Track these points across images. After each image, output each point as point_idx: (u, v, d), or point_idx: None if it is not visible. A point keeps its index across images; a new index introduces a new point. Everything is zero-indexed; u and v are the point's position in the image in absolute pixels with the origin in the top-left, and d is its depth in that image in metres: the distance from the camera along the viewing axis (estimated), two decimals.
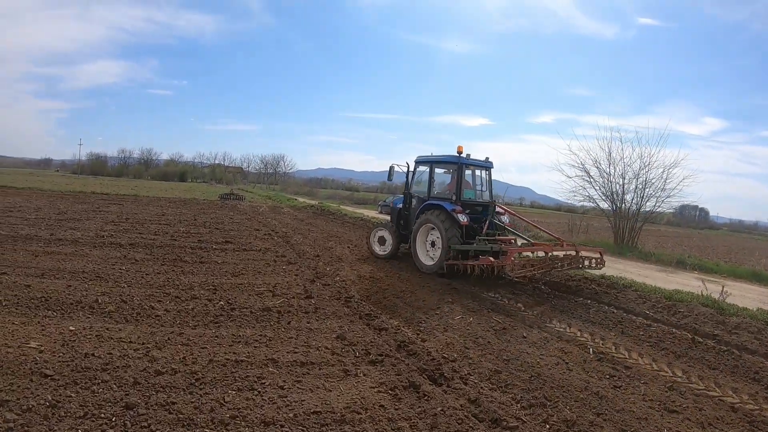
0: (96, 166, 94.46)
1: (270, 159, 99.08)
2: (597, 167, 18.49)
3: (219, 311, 6.78)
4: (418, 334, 6.06)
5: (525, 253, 9.31)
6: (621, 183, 18.09)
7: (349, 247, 12.80)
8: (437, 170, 10.38)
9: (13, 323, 5.68)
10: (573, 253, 9.07)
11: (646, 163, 17.49)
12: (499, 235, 9.47)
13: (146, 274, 8.94)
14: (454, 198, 9.50)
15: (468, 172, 9.91)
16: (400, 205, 11.00)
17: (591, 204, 19.63)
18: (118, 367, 4.61)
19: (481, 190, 10.25)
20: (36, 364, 4.51)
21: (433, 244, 9.43)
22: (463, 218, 8.93)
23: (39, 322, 5.78)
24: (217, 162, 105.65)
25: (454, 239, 8.80)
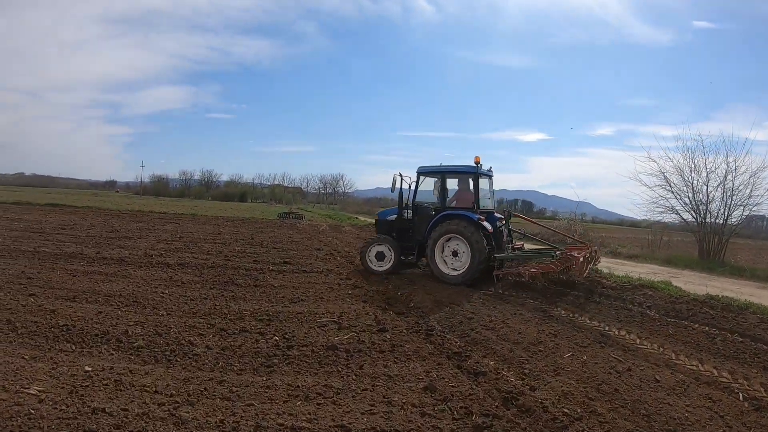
0: (158, 188, 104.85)
1: (329, 179, 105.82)
2: (681, 175, 18.67)
3: (273, 349, 5.83)
4: (523, 379, 5.15)
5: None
6: (705, 191, 18.15)
7: (419, 267, 12.21)
8: (450, 181, 11.21)
9: (22, 357, 5.03)
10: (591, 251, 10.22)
11: (732, 169, 17.40)
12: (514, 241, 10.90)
13: (190, 299, 8.29)
14: (475, 207, 10.36)
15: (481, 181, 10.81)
16: (392, 217, 11.65)
17: (671, 217, 19.88)
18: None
19: (489, 199, 11.27)
20: (28, 419, 3.63)
21: (455, 253, 10.05)
22: (489, 226, 9.85)
23: (52, 358, 5.08)
24: (276, 182, 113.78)
25: (482, 248, 9.64)
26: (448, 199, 11.01)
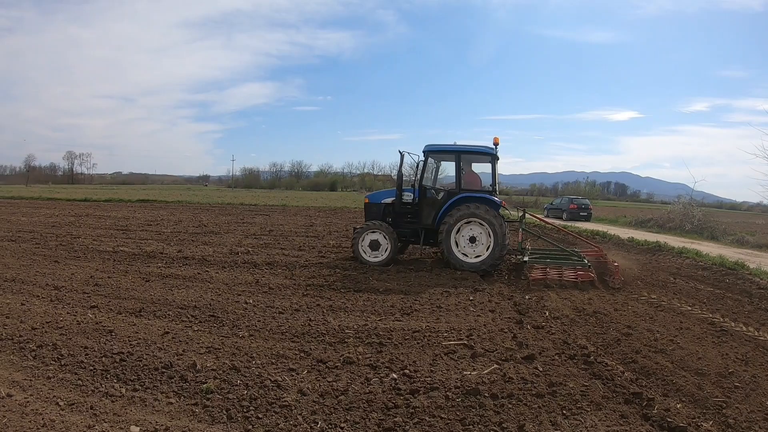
0: (249, 180, 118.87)
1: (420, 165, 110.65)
2: None
3: (391, 396, 4.49)
4: None
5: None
6: None
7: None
8: (469, 161, 11.39)
9: (57, 404, 4.15)
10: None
11: None
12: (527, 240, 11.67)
13: (280, 312, 7.24)
14: (492, 191, 10.87)
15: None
16: (388, 200, 11.48)
17: None
18: None
19: (498, 183, 11.57)
20: None
21: (473, 240, 10.34)
22: (510, 213, 10.58)
23: (92, 407, 4.13)
24: (366, 171, 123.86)
25: (505, 234, 10.08)
26: (448, 181, 11.25)
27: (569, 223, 25.40)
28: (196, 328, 6.37)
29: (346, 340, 6.12)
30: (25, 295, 7.90)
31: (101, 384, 4.62)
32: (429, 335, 6.20)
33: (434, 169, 11.81)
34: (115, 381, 4.71)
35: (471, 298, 8.30)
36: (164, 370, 4.92)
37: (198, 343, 5.77)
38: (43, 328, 6.20)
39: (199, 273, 9.96)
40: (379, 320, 6.91)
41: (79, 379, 4.73)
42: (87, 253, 12.16)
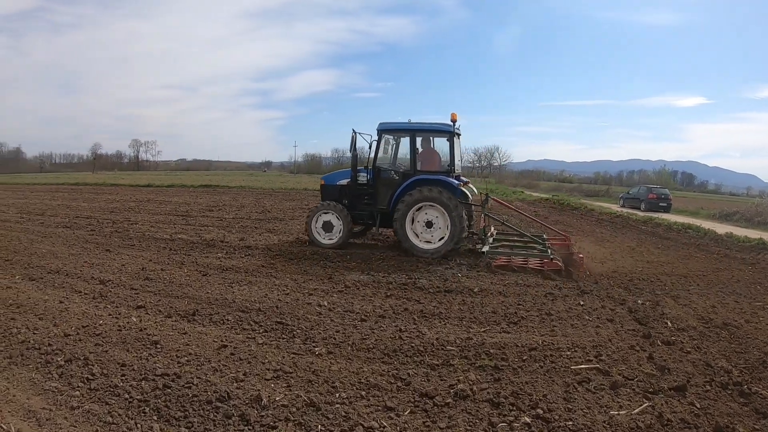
0: (311, 165, 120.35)
1: (483, 151, 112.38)
2: None
3: None
4: None
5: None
6: None
7: (644, 261, 10.88)
8: (426, 140, 11.06)
9: None
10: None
11: None
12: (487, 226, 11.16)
13: (362, 319, 6.14)
14: (451, 171, 10.50)
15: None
16: (344, 181, 11.34)
17: None
18: None
19: (459, 161, 11.31)
20: None
21: (429, 224, 10.14)
22: (469, 194, 10.33)
23: None
24: None
25: (463, 218, 9.95)
26: (404, 161, 11.13)
27: (652, 214, 23.07)
28: (260, 340, 5.28)
29: (450, 361, 4.95)
30: (67, 290, 7.21)
31: (137, 421, 3.59)
32: (550, 355, 5.19)
33: (394, 149, 11.49)
34: (155, 418, 3.66)
35: (581, 303, 7.23)
36: (219, 405, 3.82)
37: (263, 363, 4.66)
38: (78, 334, 5.36)
39: (263, 266, 9.01)
40: (483, 331, 5.88)
41: (109, 412, 3.73)
42: (142, 241, 11.59)
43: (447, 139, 10.76)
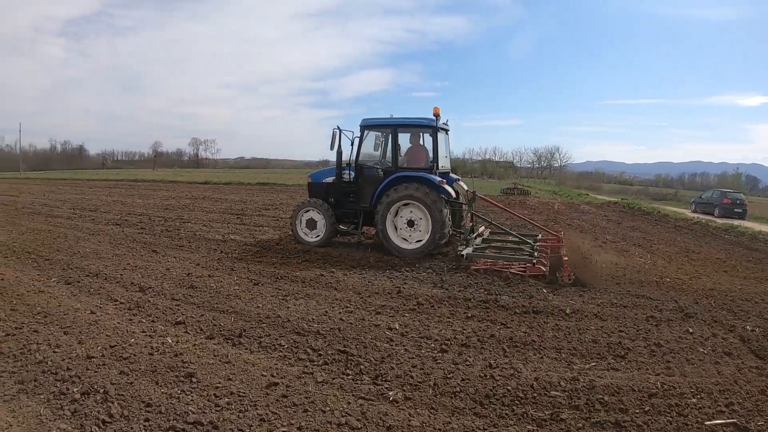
0: None
1: (543, 151, 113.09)
2: None
3: None
4: None
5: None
6: None
7: (740, 277, 9.77)
8: (403, 136, 10.87)
9: None
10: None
11: None
12: (473, 226, 10.47)
13: (441, 350, 5.25)
14: (435, 168, 10.22)
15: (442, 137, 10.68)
16: (329, 179, 11.23)
17: None
18: None
19: (446, 157, 11.05)
20: None
21: (411, 223, 9.98)
22: (452, 191, 10.08)
23: None
24: (487, 157, 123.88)
25: (445, 217, 9.68)
26: (394, 158, 10.72)
27: (731, 221, 20.93)
28: (319, 377, 4.33)
29: (560, 414, 3.92)
30: (102, 297, 6.57)
31: None
32: (675, 404, 4.21)
33: (382, 145, 11.21)
34: None
35: (690, 330, 6.16)
36: None
37: (323, 412, 3.71)
38: (103, 356, 4.60)
39: (322, 274, 8.11)
40: (588, 369, 4.89)
41: None
42: (192, 241, 11.01)
43: (430, 135, 10.44)
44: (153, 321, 5.68)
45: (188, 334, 5.29)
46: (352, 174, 10.87)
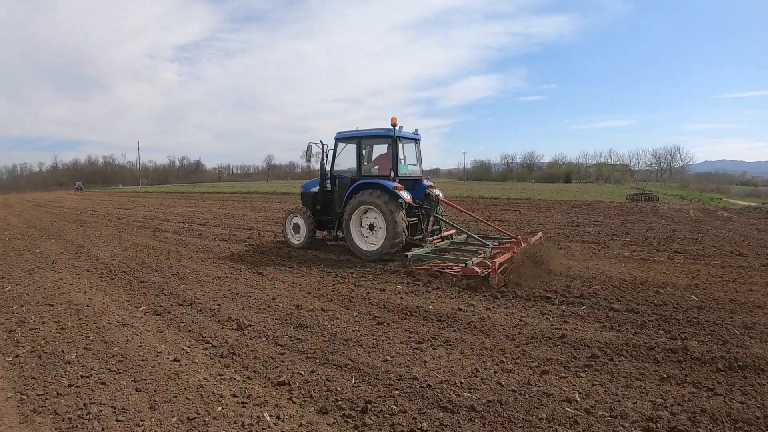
0: (480, 172, 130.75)
1: (662, 152, 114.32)
2: None
3: None
4: None
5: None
6: None
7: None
8: (368, 146, 11.81)
9: None
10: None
11: None
12: (443, 230, 11.68)
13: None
14: (392, 175, 10.78)
15: (400, 146, 11.31)
16: (315, 189, 12.35)
17: None
18: None
19: (414, 165, 11.92)
20: None
21: (372, 227, 10.66)
22: (407, 196, 10.39)
23: None
24: (603, 160, 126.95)
25: (399, 220, 10.18)
26: (365, 165, 11.58)
27: None
28: None
29: None
30: (194, 336, 5.56)
31: None
32: None
33: (368, 155, 11.91)
34: None
35: None
36: None
37: None
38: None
39: (460, 308, 6.59)
40: None
41: None
42: (303, 262, 10.14)
43: (389, 144, 11.19)
44: (249, 378, 4.45)
45: (293, 403, 3.96)
46: (329, 183, 12.12)
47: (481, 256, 9.52)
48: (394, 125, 10.86)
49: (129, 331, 5.69)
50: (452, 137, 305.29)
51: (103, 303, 7.01)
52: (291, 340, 5.38)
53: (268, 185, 64.47)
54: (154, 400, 3.99)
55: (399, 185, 10.38)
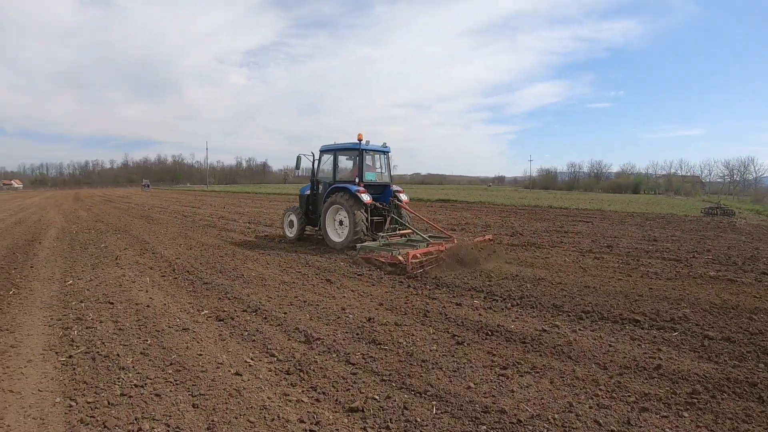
0: (546, 181, 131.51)
1: (735, 164, 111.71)
2: None
3: None
4: None
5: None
6: None
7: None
8: (341, 157, 13.98)
9: None
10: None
11: None
12: (399, 228, 13.44)
13: None
14: (357, 180, 13.06)
15: (368, 157, 13.83)
16: (308, 192, 14.68)
17: None
18: None
19: (381, 173, 14.24)
20: None
21: (341, 223, 12.83)
22: (366, 197, 12.53)
23: None
24: (673, 171, 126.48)
25: (361, 217, 12.36)
26: (345, 174, 13.75)
27: None
28: None
29: None
30: (257, 348, 5.14)
31: None
32: None
33: (346, 165, 13.90)
34: None
35: None
36: None
37: None
38: None
39: (545, 330, 5.93)
40: None
41: None
42: (374, 270, 9.66)
43: (356, 156, 13.33)
44: (317, 400, 3.97)
45: None
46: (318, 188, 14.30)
47: (415, 249, 10.79)
48: (360, 140, 13.12)
49: (189, 337, 5.37)
50: (518, 144, 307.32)
51: (164, 304, 6.80)
52: (363, 358, 4.89)
53: None
54: (213, 420, 3.59)
55: (361, 189, 12.56)
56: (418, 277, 9.08)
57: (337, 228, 12.85)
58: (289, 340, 5.40)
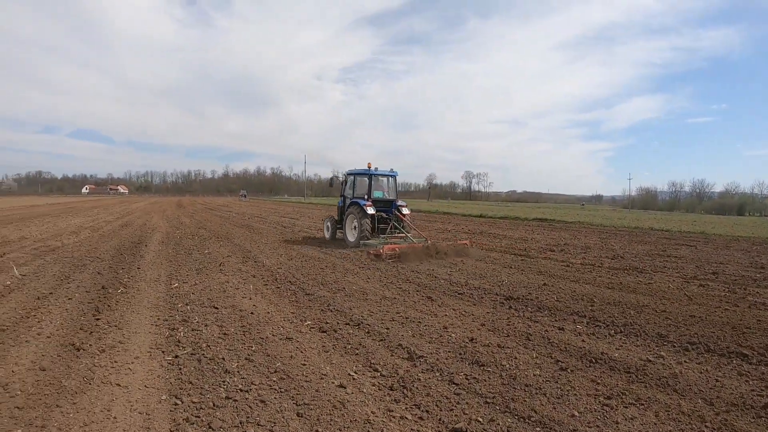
0: (646, 201, 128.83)
1: None
2: None
3: None
4: None
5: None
6: None
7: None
8: (358, 179, 18.20)
9: None
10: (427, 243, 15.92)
11: None
12: (398, 232, 17.10)
13: None
14: (366, 197, 17.13)
15: (377, 179, 17.84)
16: (341, 204, 19.05)
17: None
18: None
19: (387, 191, 18.25)
20: None
21: (354, 227, 16.64)
22: (371, 210, 16.36)
23: None
24: None
25: (366, 224, 16.19)
26: (362, 191, 17.60)
27: None
28: None
29: None
30: (360, 362, 5.22)
31: None
32: None
33: (352, 185, 18.32)
34: None
35: None
36: None
37: None
38: None
39: (649, 360, 5.63)
40: None
41: None
42: (474, 289, 9.39)
43: (367, 178, 17.15)
44: (421, 418, 3.96)
45: None
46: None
47: (392, 245, 14.29)
48: (369, 167, 17.10)
49: (293, 347, 5.54)
50: (616, 162, 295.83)
51: (268, 312, 7.05)
52: (467, 379, 4.82)
53: (429, 204, 64.97)
54: (317, 430, 3.66)
55: (368, 203, 16.34)
56: (396, 265, 12.00)
57: (352, 231, 16.60)
58: (392, 356, 5.44)
